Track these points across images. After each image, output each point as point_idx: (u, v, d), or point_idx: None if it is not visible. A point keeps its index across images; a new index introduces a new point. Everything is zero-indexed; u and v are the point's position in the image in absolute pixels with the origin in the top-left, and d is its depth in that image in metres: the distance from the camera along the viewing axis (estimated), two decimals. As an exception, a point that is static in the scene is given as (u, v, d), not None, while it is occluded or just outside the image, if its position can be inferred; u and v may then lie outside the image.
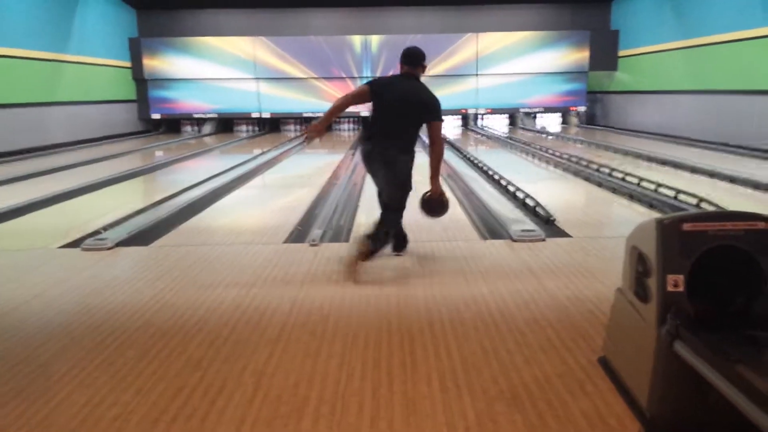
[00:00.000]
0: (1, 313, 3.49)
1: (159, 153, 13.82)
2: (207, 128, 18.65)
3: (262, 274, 4.16)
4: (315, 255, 4.62)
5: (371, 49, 18.25)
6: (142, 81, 18.11)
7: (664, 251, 2.12)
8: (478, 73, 18.47)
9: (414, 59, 4.29)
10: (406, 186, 4.30)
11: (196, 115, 18.63)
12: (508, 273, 4.10)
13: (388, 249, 4.44)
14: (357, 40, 18.23)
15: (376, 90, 4.21)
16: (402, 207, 4.35)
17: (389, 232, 4.27)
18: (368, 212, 6.47)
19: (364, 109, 18.58)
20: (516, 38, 18.29)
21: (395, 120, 4.18)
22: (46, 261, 4.60)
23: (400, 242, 4.62)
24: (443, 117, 4.28)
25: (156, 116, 18.48)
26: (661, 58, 15.32)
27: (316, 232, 5.22)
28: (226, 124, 19.10)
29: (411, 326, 3.20)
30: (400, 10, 18.41)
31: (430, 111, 4.17)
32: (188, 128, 19.05)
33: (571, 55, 18.27)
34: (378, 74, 18.33)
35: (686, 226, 2.11)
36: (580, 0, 18.03)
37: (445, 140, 4.91)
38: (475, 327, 3.17)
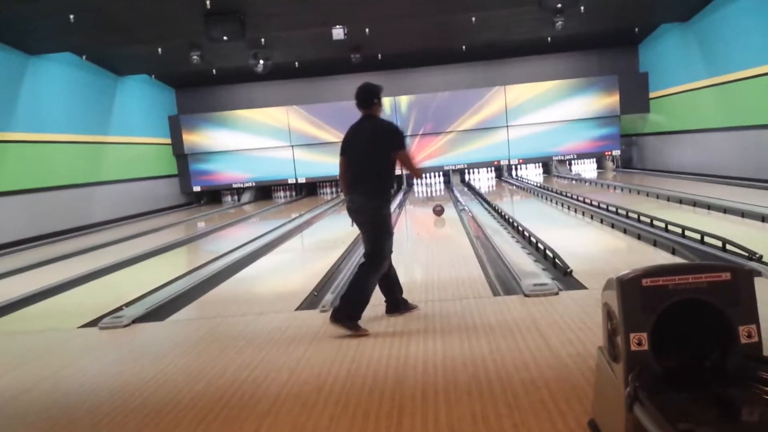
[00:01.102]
0: (11, 396, 3.58)
1: (200, 224, 14.19)
2: (246, 197, 19.12)
3: (266, 345, 4.16)
4: (323, 321, 4.61)
5: (401, 109, 18.56)
6: (182, 156, 18.79)
7: (626, 308, 2.05)
8: (509, 124, 18.51)
9: (364, 99, 4.28)
10: (377, 233, 4.20)
11: (235, 185, 19.15)
12: (513, 330, 4.01)
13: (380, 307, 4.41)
14: (386, 101, 18.54)
15: (344, 148, 4.26)
16: (380, 257, 4.22)
17: (367, 287, 4.19)
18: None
19: (397, 168, 18.81)
20: (544, 87, 18.34)
21: (359, 165, 4.18)
22: (65, 342, 4.72)
23: (392, 305, 4.53)
24: (406, 144, 4.19)
25: (197, 189, 19.06)
26: (692, 97, 15.10)
27: (328, 296, 5.23)
28: (264, 191, 19.54)
29: (404, 393, 3.14)
30: (426, 70, 18.74)
31: (388, 140, 4.13)
32: (228, 198, 19.58)
33: (602, 100, 18.18)
34: (409, 133, 18.60)
35: (646, 282, 2.04)
36: (607, 45, 18.03)
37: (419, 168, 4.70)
38: (468, 391, 3.09)
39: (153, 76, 17.62)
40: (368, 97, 4.27)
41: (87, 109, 14.55)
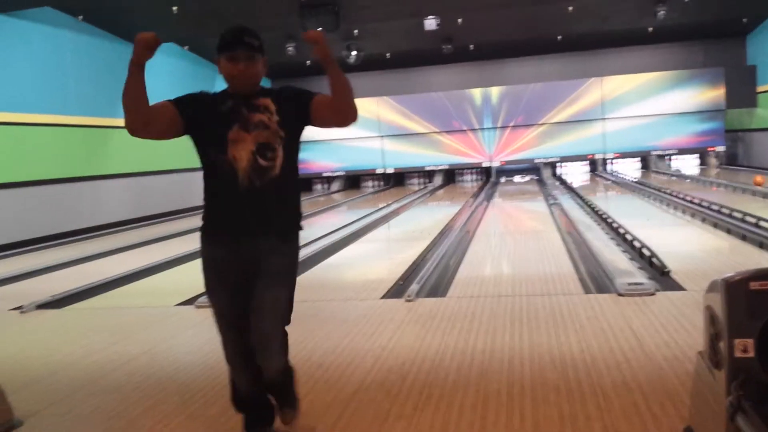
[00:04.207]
0: (111, 369, 3.80)
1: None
2: (335, 185, 19.45)
3: (352, 331, 4.22)
4: (408, 311, 4.62)
5: (491, 100, 18.28)
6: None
7: (731, 313, 1.92)
8: (605, 117, 17.86)
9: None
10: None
11: (325, 174, 19.49)
12: (605, 330, 3.87)
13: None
14: (477, 93, 18.35)
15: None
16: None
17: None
18: (472, 265, 6.43)
19: (486, 160, 18.61)
20: (644, 79, 17.56)
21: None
22: (162, 318, 4.97)
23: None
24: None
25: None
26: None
27: (413, 287, 5.23)
28: (353, 180, 19.79)
29: (488, 386, 3.10)
30: (519, 61, 18.37)
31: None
32: (318, 186, 19.97)
33: (706, 94, 17.20)
34: (499, 125, 18.32)
35: (754, 285, 1.91)
36: (712, 36, 17.03)
37: None
38: (556, 389, 3.01)
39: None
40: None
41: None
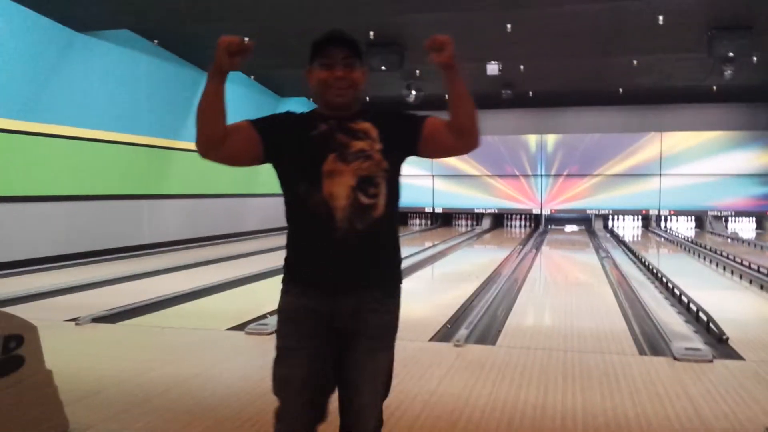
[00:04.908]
0: (164, 389, 3.87)
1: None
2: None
3: (401, 372, 4.20)
4: (457, 356, 4.60)
5: (546, 148, 18.25)
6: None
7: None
8: (662, 173, 17.60)
9: None
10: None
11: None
12: (660, 395, 3.77)
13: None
14: (532, 139, 18.36)
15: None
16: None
17: None
18: (522, 315, 6.37)
19: (536, 206, 18.46)
20: (704, 137, 17.33)
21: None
22: (213, 342, 5.05)
23: None
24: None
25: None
26: None
27: (462, 332, 5.20)
28: (401, 217, 19.81)
29: (540, 443, 3.05)
30: (578, 110, 18.32)
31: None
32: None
33: (767, 157, 16.82)
34: (553, 172, 18.22)
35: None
36: (777, 98, 16.74)
37: None
38: (610, 453, 2.95)
39: (311, 99, 18.58)
40: None
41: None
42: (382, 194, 2.02)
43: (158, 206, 12.51)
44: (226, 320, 5.80)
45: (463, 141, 2.06)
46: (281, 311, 2.11)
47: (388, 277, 2.13)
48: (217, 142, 1.96)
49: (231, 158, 2.07)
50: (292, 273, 2.11)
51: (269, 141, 2.03)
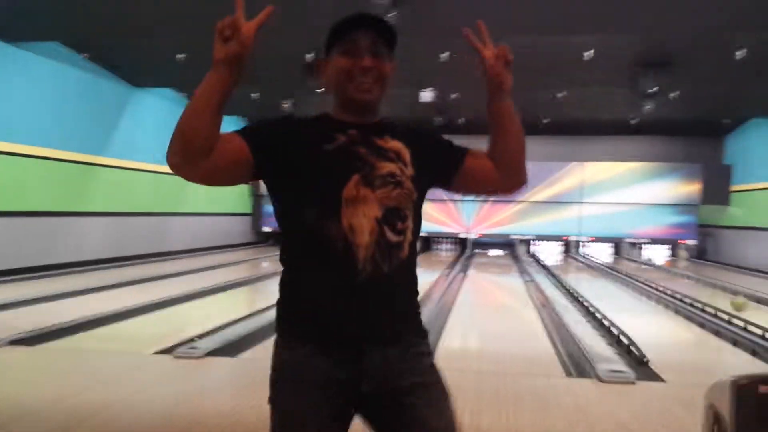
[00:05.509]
0: (88, 415, 3.68)
1: (265, 264, 14.45)
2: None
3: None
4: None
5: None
6: (258, 196, 19.39)
7: (739, 416, 1.98)
8: (583, 201, 18.34)
9: None
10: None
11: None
12: (589, 416, 3.90)
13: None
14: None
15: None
16: None
17: None
18: (452, 338, 6.45)
19: (463, 231, 18.78)
20: (624, 168, 18.22)
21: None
22: (138, 366, 4.86)
23: None
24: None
25: (267, 229, 19.56)
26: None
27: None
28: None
29: (478, 466, 3.08)
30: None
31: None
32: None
33: (682, 188, 17.87)
34: (480, 198, 18.63)
35: (763, 389, 1.98)
36: (693, 133, 17.82)
37: None
38: (545, 474, 3.01)
39: (246, 117, 18.34)
40: None
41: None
42: (409, 230, 1.64)
43: (80, 224, 11.98)
44: (152, 343, 5.60)
45: (511, 180, 1.77)
46: (279, 375, 1.64)
47: (418, 320, 1.75)
48: (202, 153, 1.48)
49: (210, 176, 1.56)
50: (294, 325, 1.65)
51: (263, 157, 1.57)
